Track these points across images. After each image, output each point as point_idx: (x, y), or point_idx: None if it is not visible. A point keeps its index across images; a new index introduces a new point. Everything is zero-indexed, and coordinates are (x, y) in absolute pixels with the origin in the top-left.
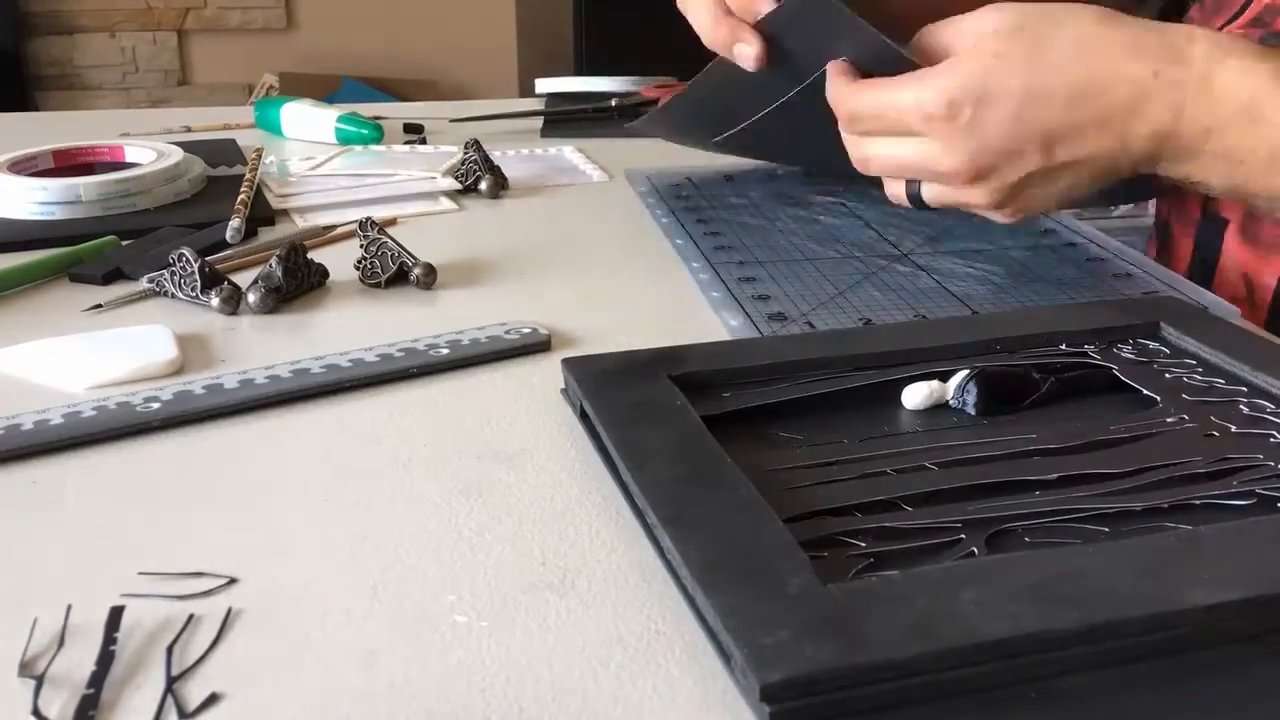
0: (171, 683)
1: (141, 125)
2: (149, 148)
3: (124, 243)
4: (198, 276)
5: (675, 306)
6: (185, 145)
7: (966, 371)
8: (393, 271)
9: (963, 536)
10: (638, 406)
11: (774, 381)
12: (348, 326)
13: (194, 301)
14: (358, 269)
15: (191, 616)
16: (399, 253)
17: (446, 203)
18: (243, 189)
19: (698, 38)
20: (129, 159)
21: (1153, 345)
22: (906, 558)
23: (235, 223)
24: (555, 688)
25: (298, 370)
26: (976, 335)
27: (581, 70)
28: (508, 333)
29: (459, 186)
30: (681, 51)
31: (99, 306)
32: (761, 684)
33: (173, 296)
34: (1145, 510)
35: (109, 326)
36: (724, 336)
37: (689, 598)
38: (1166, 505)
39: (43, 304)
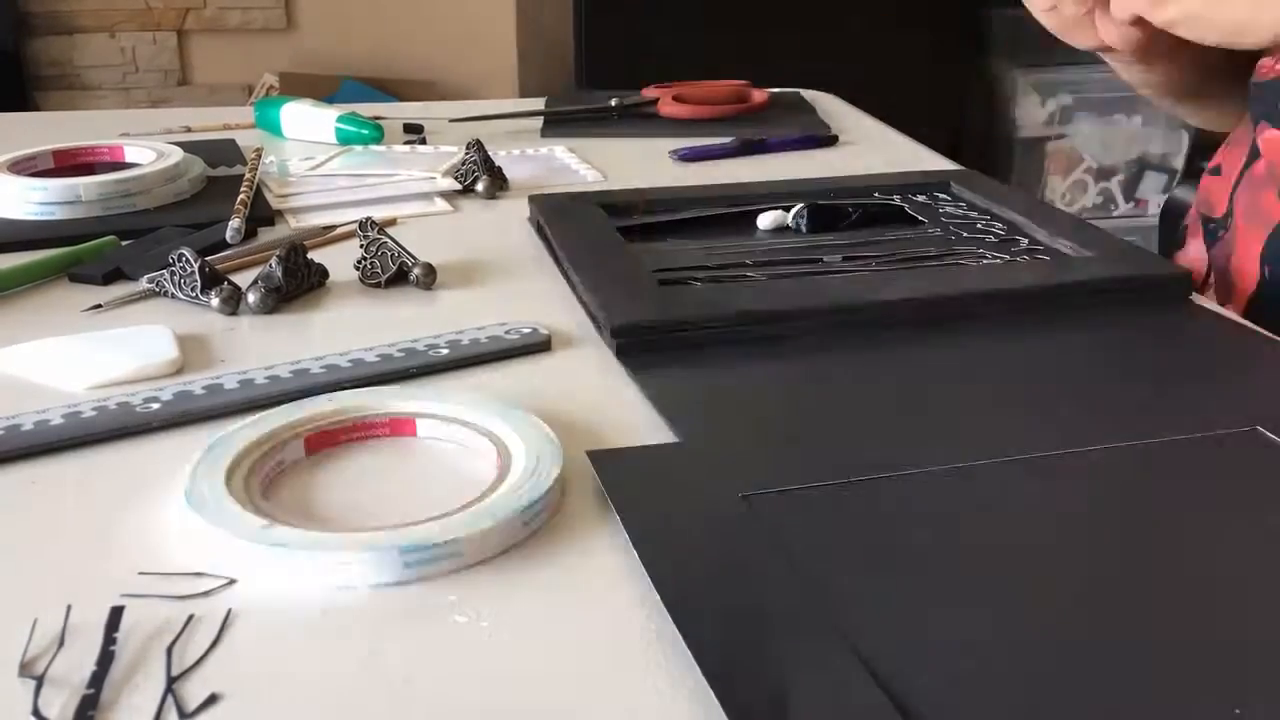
0: (171, 683)
1: (141, 125)
2: (149, 148)
3: (124, 243)
4: (198, 276)
5: None
6: (185, 145)
7: (801, 204)
8: (393, 271)
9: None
10: (581, 231)
11: (673, 209)
12: (348, 326)
13: (194, 302)
14: (358, 269)
15: (191, 617)
16: (399, 253)
17: (445, 203)
18: (242, 189)
19: (696, 39)
20: (129, 159)
21: (942, 196)
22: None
23: (235, 223)
24: (555, 690)
25: (298, 370)
26: (813, 183)
27: (582, 71)
28: (508, 332)
29: (458, 187)
30: (681, 52)
31: (99, 306)
32: (611, 326)
33: (173, 297)
34: (879, 269)
35: (109, 327)
36: None
37: (580, 300)
38: (898, 268)
39: (42, 304)
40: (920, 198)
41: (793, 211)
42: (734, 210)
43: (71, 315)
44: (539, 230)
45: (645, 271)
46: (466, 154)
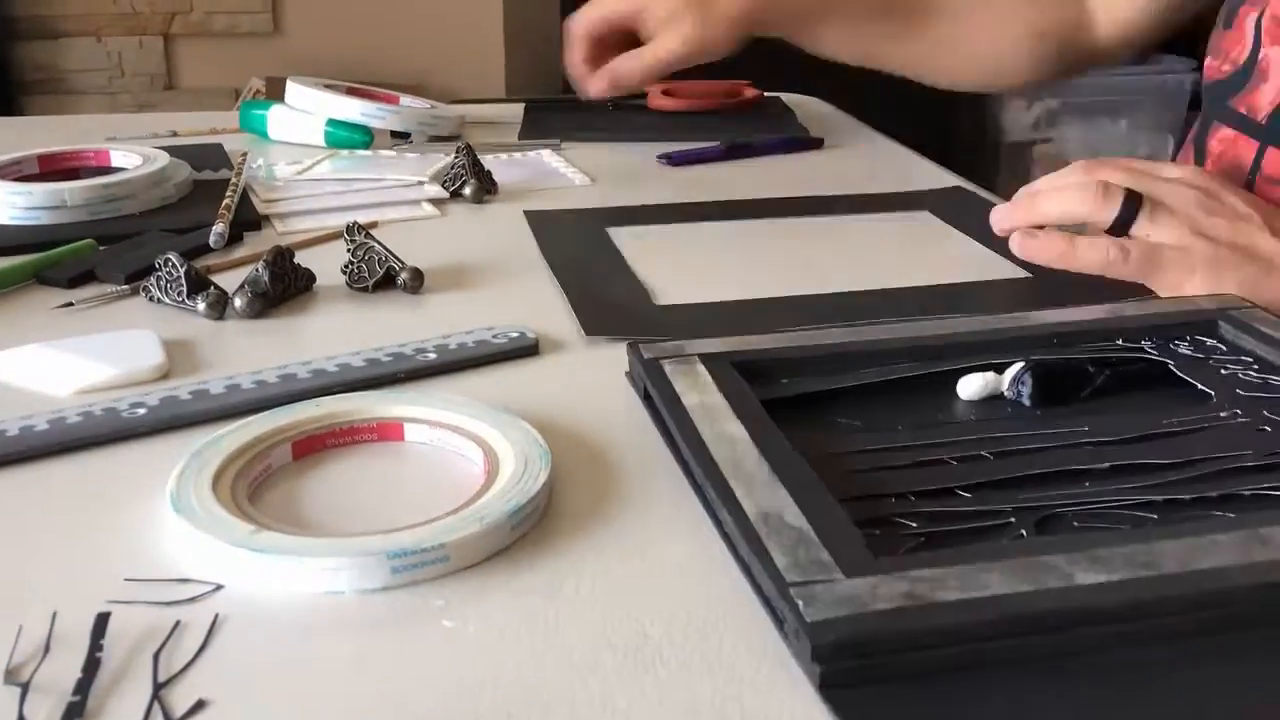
0: (158, 689)
1: (128, 130)
2: (135, 152)
3: (101, 247)
4: (184, 281)
5: None
6: (172, 150)
7: (1021, 363)
8: (380, 276)
9: (1013, 520)
10: (698, 386)
11: (832, 370)
12: (335, 331)
13: (180, 306)
14: (345, 273)
15: (178, 623)
16: (386, 257)
17: (431, 208)
18: (228, 194)
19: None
20: (115, 164)
21: (1209, 342)
22: (957, 539)
23: (219, 228)
24: (544, 694)
25: (284, 375)
26: (1031, 327)
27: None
28: (495, 336)
29: (445, 194)
30: None
31: (70, 304)
32: (814, 644)
33: (159, 301)
34: (1194, 500)
35: (95, 331)
36: None
37: (743, 565)
38: (1215, 495)
39: (20, 308)
40: (1182, 345)
41: (1010, 374)
42: (925, 371)
43: (45, 319)
44: (646, 398)
45: (833, 506)
46: (455, 158)
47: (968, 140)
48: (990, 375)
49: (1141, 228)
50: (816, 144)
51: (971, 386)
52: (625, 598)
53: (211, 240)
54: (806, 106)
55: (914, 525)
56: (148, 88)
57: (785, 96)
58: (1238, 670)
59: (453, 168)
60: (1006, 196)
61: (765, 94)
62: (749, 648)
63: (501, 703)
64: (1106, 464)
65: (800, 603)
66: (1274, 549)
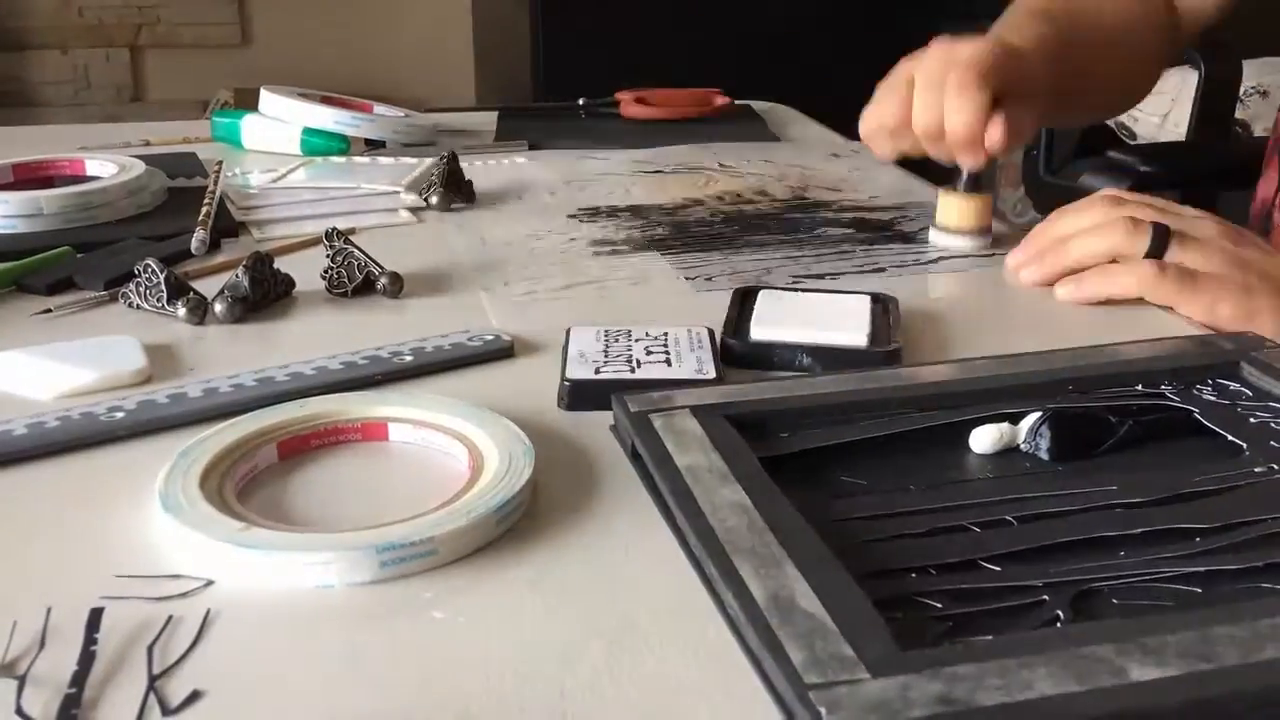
0: (153, 681)
1: (100, 139)
2: (110, 161)
3: (79, 255)
4: (164, 287)
5: (653, 309)
6: (145, 159)
7: (1039, 414)
8: (359, 281)
9: (1046, 598)
10: (689, 444)
11: (833, 422)
12: (314, 335)
13: (160, 312)
14: (324, 279)
15: (171, 618)
16: (365, 262)
17: (409, 215)
18: (205, 201)
19: (653, 51)
20: (90, 172)
21: (1233, 386)
22: (988, 621)
23: (200, 234)
24: (533, 681)
25: (263, 379)
26: (1045, 373)
27: (540, 82)
28: (471, 340)
29: (422, 203)
30: (638, 62)
31: (49, 311)
32: None
33: (139, 307)
34: (1240, 571)
35: (76, 337)
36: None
37: (753, 658)
38: (1262, 565)
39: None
40: (1205, 390)
41: (1026, 425)
42: (934, 423)
43: (27, 325)
44: (634, 457)
45: (849, 586)
46: (438, 162)
47: None
48: (1005, 426)
49: (1174, 256)
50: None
51: (985, 439)
52: (611, 587)
53: (193, 247)
54: (776, 113)
55: (939, 605)
56: (114, 100)
57: (755, 104)
58: None
59: (430, 174)
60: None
61: (735, 101)
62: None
63: (491, 691)
64: (1139, 529)
65: (823, 710)
66: None
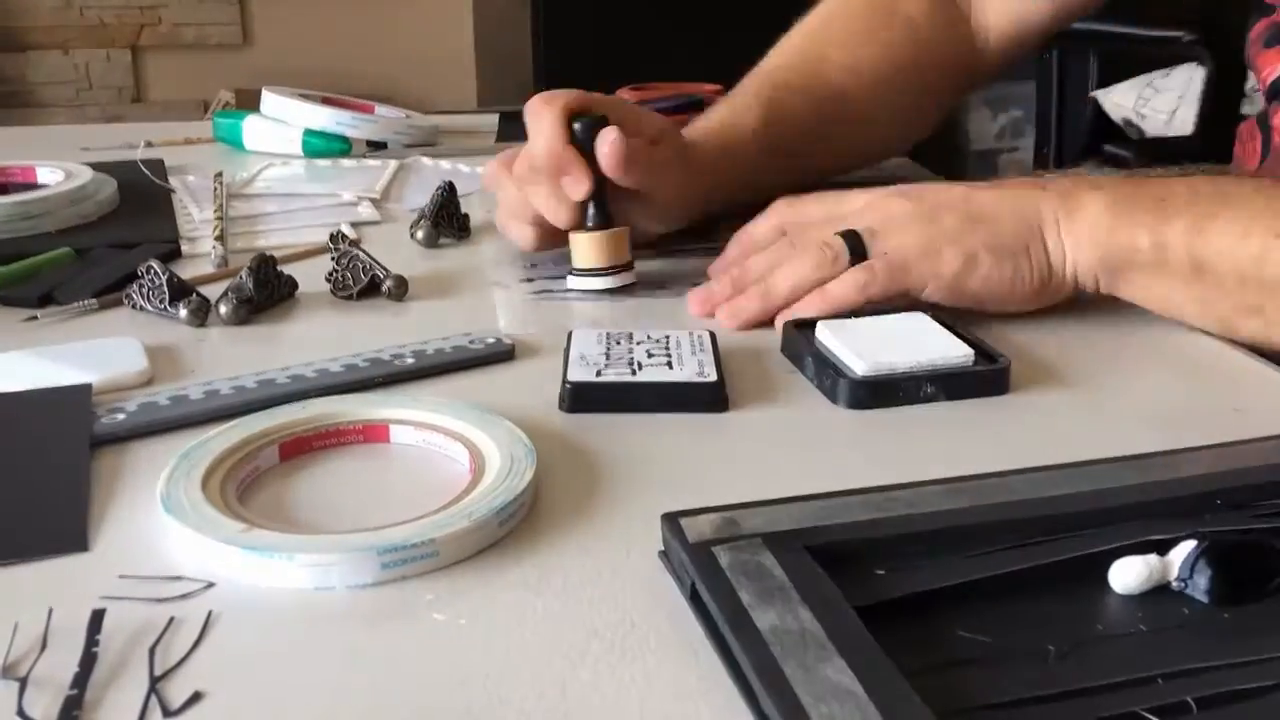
0: (155, 682)
1: (100, 140)
2: (59, 168)
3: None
4: (165, 289)
5: (644, 312)
6: (106, 166)
7: (1193, 544)
8: (364, 283)
9: None
10: (769, 592)
11: (937, 551)
12: (317, 338)
13: (162, 314)
14: (329, 281)
15: (172, 619)
16: (370, 265)
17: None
18: (214, 216)
19: (654, 51)
20: (41, 180)
21: None
22: None
23: (219, 249)
24: (534, 683)
25: (264, 381)
26: (1184, 483)
27: (541, 83)
28: (472, 343)
29: (377, 217)
30: (639, 63)
31: (34, 318)
32: None
33: (141, 309)
34: None
35: (77, 339)
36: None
37: None
38: None
39: None
40: None
41: (1178, 558)
42: (1066, 556)
43: (22, 330)
44: (693, 598)
45: None
46: (435, 194)
47: (934, 148)
48: (1152, 559)
49: (875, 249)
50: None
51: (1130, 576)
52: (612, 588)
53: (213, 263)
54: None
55: None
56: (115, 100)
57: None
58: None
59: (424, 210)
60: None
61: None
62: None
63: (493, 692)
64: None
65: None
66: None
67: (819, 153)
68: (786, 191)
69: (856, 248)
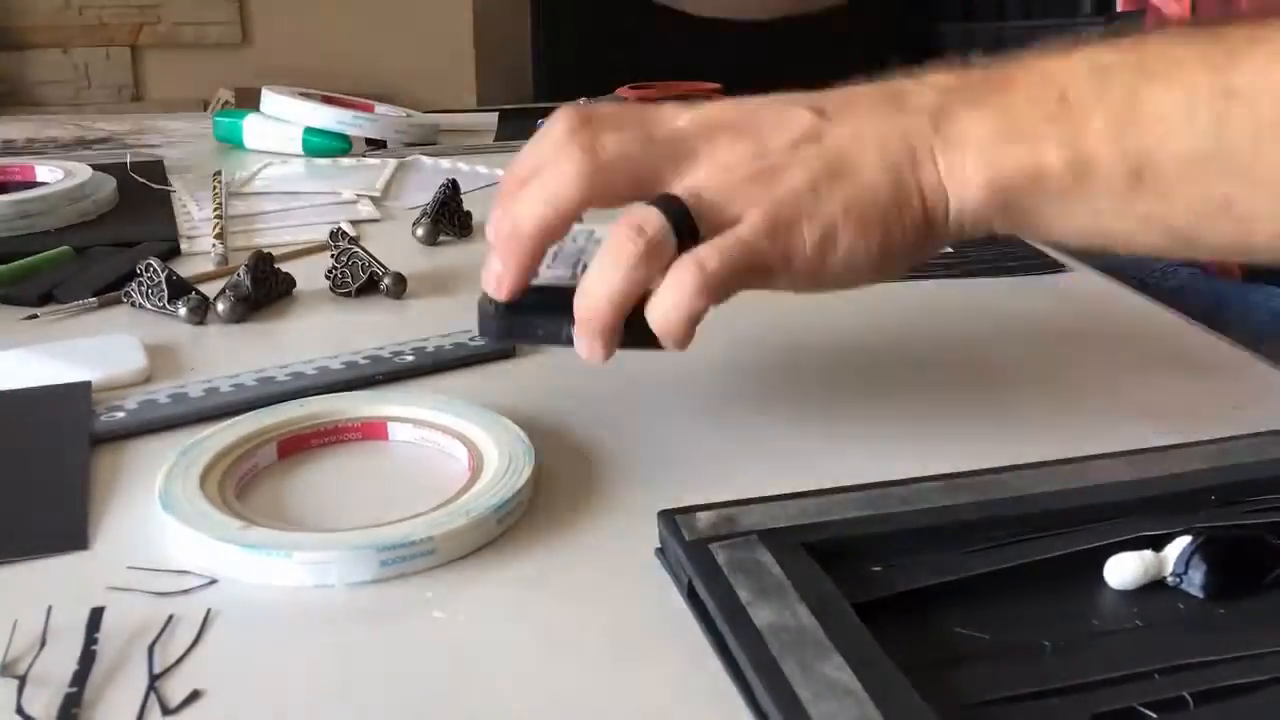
0: (154, 680)
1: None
2: (59, 167)
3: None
4: (165, 287)
5: None
6: (117, 164)
7: (1189, 540)
8: (363, 281)
9: None
10: (767, 590)
11: (932, 547)
12: (316, 335)
13: (161, 311)
14: (329, 279)
15: (171, 617)
16: (369, 262)
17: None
18: (215, 215)
19: (652, 53)
20: (40, 179)
21: None
22: None
23: (220, 247)
24: (533, 681)
25: (263, 378)
26: (1177, 480)
27: (541, 83)
28: (472, 340)
29: (377, 215)
30: (638, 63)
31: (34, 316)
32: None
33: (140, 307)
34: None
35: (76, 337)
36: None
37: None
38: None
39: None
40: None
41: (1173, 554)
42: (1062, 553)
43: (20, 328)
44: (690, 595)
45: None
46: (438, 191)
47: None
48: (1148, 555)
49: (707, 227)
50: None
51: (1126, 572)
52: (610, 586)
53: (214, 261)
54: None
55: None
56: (115, 99)
57: None
58: None
59: (424, 205)
60: None
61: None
62: None
63: (492, 690)
64: None
65: None
66: None
67: None
68: None
69: (683, 225)
